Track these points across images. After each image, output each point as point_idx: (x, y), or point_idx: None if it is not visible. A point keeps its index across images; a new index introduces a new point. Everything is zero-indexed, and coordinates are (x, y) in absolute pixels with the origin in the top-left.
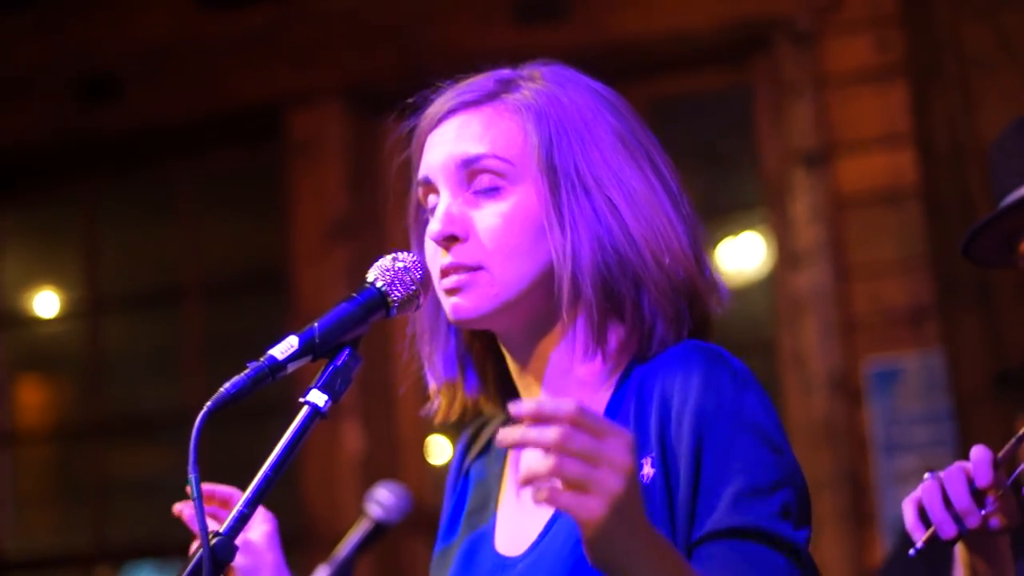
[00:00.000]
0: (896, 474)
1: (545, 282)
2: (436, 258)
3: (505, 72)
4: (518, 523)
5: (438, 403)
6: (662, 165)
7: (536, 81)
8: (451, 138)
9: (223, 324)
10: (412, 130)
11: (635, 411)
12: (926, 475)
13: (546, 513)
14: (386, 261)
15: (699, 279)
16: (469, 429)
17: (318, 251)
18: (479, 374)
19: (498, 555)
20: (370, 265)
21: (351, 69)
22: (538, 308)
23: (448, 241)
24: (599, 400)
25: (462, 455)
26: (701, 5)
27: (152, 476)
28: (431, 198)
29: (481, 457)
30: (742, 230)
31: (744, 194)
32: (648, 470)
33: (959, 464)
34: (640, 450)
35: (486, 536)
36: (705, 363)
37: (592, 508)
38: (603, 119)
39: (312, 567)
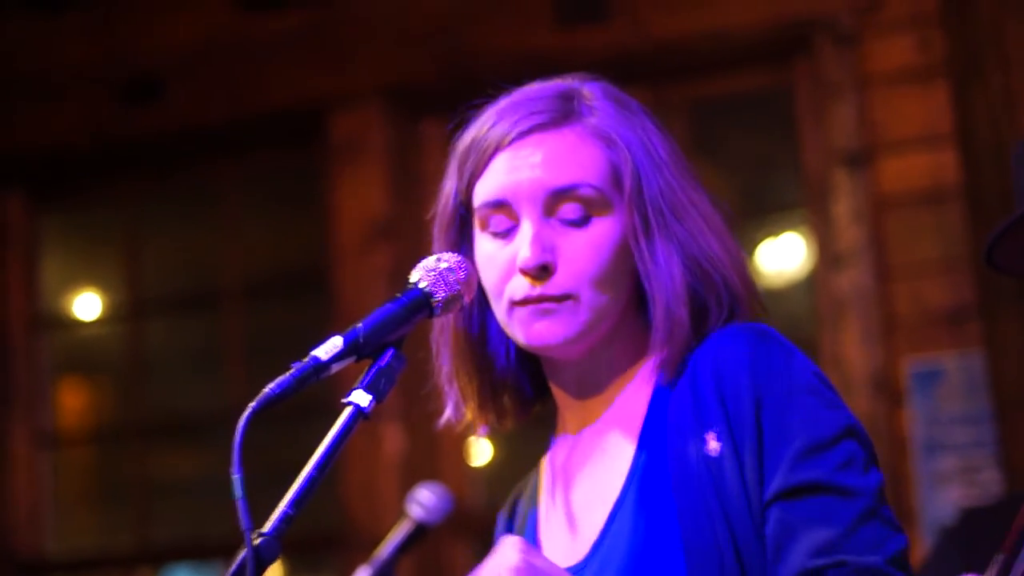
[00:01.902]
0: (936, 474)
1: (627, 308)
2: (515, 284)
3: (560, 85)
4: (569, 530)
5: (463, 415)
6: (698, 181)
7: (595, 100)
8: (537, 163)
9: (264, 325)
10: (463, 137)
11: (692, 395)
12: None
13: (597, 517)
14: (430, 262)
15: (754, 293)
16: (504, 510)
17: (359, 252)
18: (517, 390)
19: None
20: (411, 266)
21: (392, 70)
22: (614, 333)
23: (541, 271)
24: (643, 392)
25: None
26: (742, 6)
27: (193, 477)
28: (497, 219)
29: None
30: (783, 231)
31: (785, 194)
32: (714, 444)
33: None
34: (704, 426)
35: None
36: (753, 339)
37: None
38: (662, 142)
39: (353, 568)
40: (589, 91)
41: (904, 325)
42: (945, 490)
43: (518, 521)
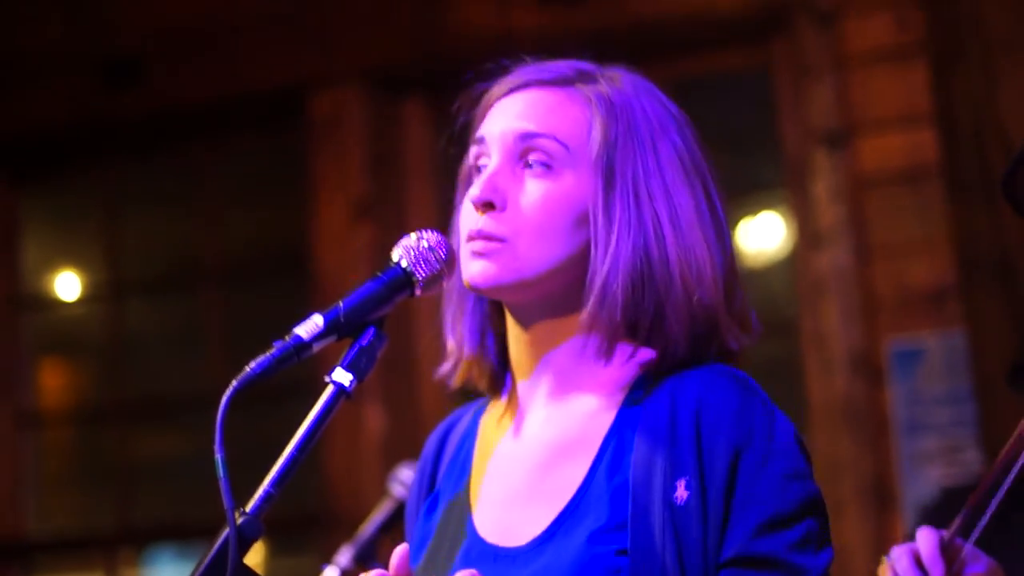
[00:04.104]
0: (917, 454)
1: (568, 271)
2: (468, 219)
3: (587, 64)
4: (512, 509)
5: (454, 366)
6: (715, 194)
7: (615, 82)
8: (516, 110)
9: (245, 305)
10: (479, 96)
11: (669, 431)
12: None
13: (551, 504)
14: (411, 240)
15: (722, 312)
16: (434, 441)
17: (340, 232)
18: (496, 349)
19: (486, 543)
20: (392, 246)
21: (373, 51)
22: (555, 294)
23: (484, 207)
24: (606, 406)
25: (439, 447)
26: None
27: (174, 458)
28: (483, 159)
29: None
30: (763, 210)
31: (765, 174)
32: (683, 492)
33: (908, 547)
34: (676, 471)
35: (462, 519)
36: (738, 392)
37: None
38: (668, 136)
39: (335, 547)
40: (618, 76)
41: (884, 305)
42: (926, 469)
43: (445, 459)
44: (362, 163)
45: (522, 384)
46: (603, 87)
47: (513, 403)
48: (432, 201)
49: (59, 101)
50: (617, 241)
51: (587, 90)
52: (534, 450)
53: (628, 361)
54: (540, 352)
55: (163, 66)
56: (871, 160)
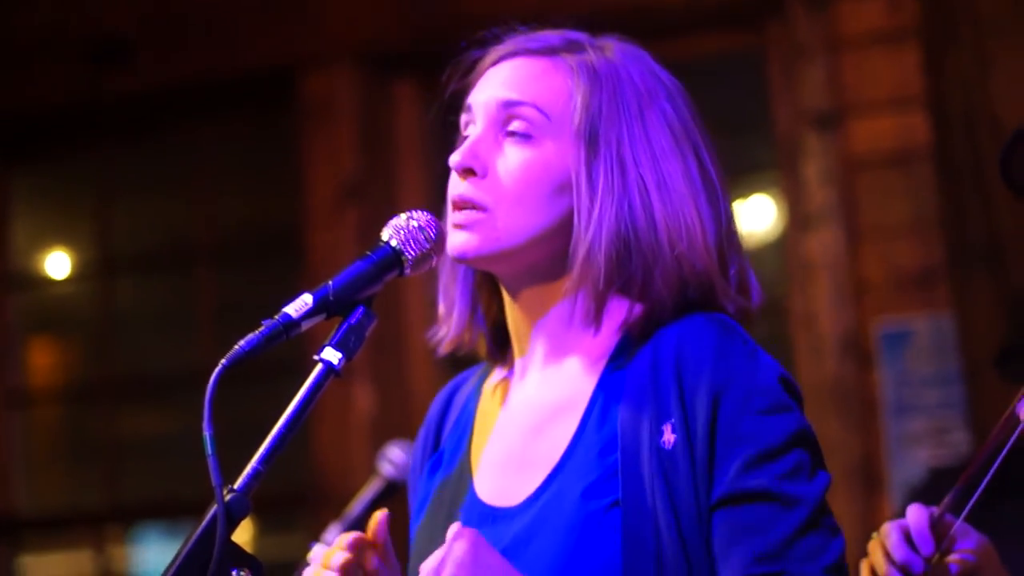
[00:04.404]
0: (906, 436)
1: (551, 240)
2: (452, 186)
3: (577, 34)
4: (509, 470)
5: (446, 332)
6: (708, 162)
7: (604, 51)
8: (501, 79)
9: (235, 285)
10: (472, 65)
11: (652, 381)
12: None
13: (543, 465)
14: (400, 220)
15: (717, 276)
16: (440, 400)
17: (330, 213)
18: (486, 316)
19: (485, 506)
20: (383, 226)
21: (363, 31)
22: (540, 264)
23: (465, 173)
24: (593, 369)
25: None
26: None
27: (163, 437)
28: (470, 128)
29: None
30: (754, 192)
31: (756, 156)
32: (669, 436)
33: (898, 523)
34: (662, 416)
35: (463, 481)
36: (719, 333)
37: None
38: (657, 103)
39: (324, 526)
40: (609, 45)
41: (874, 287)
42: (914, 451)
43: (449, 420)
44: (353, 143)
45: (519, 350)
46: (590, 56)
47: (511, 368)
48: (423, 181)
49: (50, 81)
50: (600, 208)
51: (572, 59)
52: (527, 413)
53: (616, 323)
54: (532, 320)
55: (154, 47)
56: (862, 142)
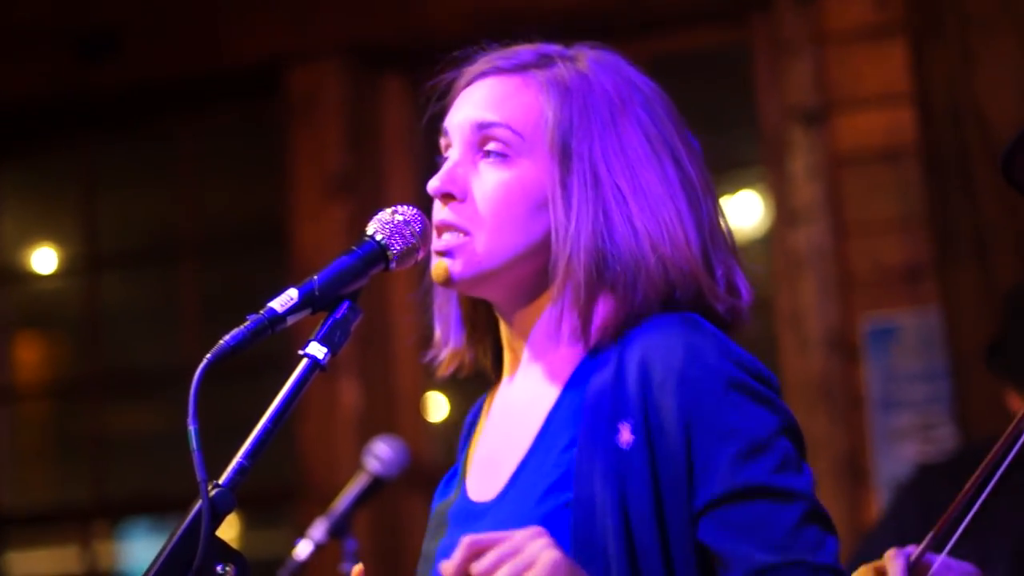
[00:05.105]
0: (892, 431)
1: (534, 257)
2: (435, 212)
3: (551, 47)
4: (488, 468)
5: (443, 355)
6: (688, 164)
7: (576, 63)
8: (474, 100)
9: (221, 280)
10: (448, 85)
11: (614, 379)
12: None
13: (511, 461)
14: (386, 214)
15: (704, 277)
16: (470, 416)
17: (317, 208)
18: (484, 334)
19: (469, 501)
20: (369, 221)
21: (350, 26)
22: (524, 281)
23: (445, 198)
24: (567, 367)
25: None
26: None
27: (149, 432)
28: (449, 150)
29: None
30: (740, 188)
31: (742, 152)
32: (627, 436)
33: (874, 567)
34: (619, 415)
35: (459, 483)
36: (685, 330)
37: None
38: (631, 111)
39: (309, 522)
40: (583, 55)
41: (860, 282)
42: (901, 446)
43: (464, 433)
44: (339, 138)
45: (512, 360)
46: (560, 70)
47: (510, 376)
48: (410, 176)
49: (35, 75)
50: (577, 223)
51: (542, 75)
52: (506, 411)
53: (601, 332)
54: (523, 332)
55: (140, 40)
56: (848, 138)
